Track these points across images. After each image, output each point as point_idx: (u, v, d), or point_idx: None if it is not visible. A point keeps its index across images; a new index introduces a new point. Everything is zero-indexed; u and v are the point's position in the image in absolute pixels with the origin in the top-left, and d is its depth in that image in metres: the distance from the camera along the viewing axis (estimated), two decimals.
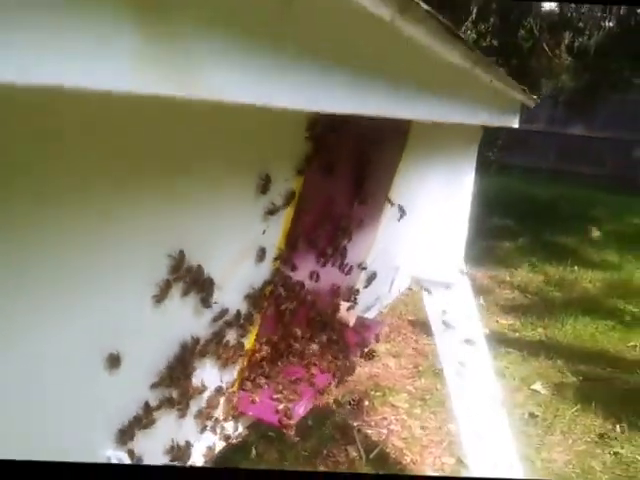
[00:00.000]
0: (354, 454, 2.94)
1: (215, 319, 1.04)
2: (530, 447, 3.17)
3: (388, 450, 3.04)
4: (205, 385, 1.07)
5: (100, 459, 0.86)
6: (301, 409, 1.34)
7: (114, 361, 0.82)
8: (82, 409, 0.81)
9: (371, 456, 2.93)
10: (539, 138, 14.61)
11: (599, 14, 7.20)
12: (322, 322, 1.64)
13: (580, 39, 7.46)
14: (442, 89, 1.20)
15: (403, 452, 3.06)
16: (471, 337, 2.49)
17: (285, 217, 1.17)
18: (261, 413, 1.29)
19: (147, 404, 0.93)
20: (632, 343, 4.62)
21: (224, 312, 1.05)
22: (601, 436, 3.35)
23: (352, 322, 1.78)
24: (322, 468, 2.80)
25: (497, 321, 4.92)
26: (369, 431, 3.17)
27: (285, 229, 1.20)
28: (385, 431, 3.21)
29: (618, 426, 3.44)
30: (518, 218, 8.34)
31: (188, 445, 1.06)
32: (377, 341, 1.91)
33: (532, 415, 3.49)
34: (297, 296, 1.44)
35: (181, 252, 0.88)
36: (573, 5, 7.47)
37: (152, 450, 0.98)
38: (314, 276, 1.57)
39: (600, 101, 8.72)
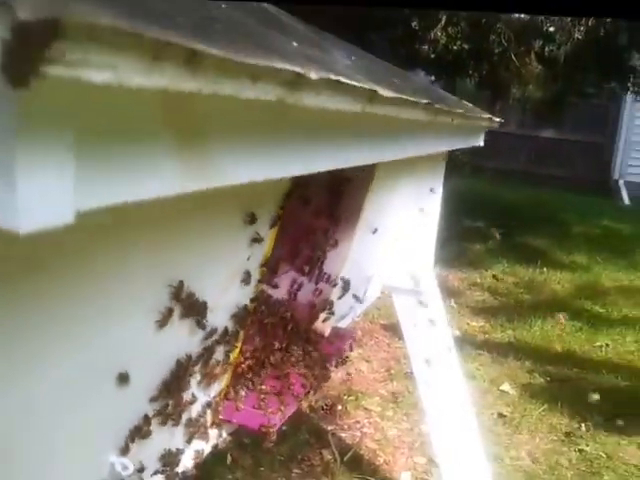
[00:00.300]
0: (329, 457, 3.03)
1: (206, 337, 1.14)
2: (499, 446, 3.28)
3: (362, 452, 3.13)
4: (195, 397, 1.16)
5: (105, 465, 0.95)
6: (281, 416, 1.44)
7: (124, 379, 0.92)
8: (92, 421, 0.91)
9: (345, 458, 3.02)
10: (510, 140, 14.76)
11: (569, 23, 7.32)
12: (299, 334, 1.73)
13: (550, 47, 7.58)
14: (407, 136, 1.34)
15: (376, 453, 3.15)
16: (440, 340, 2.59)
17: (268, 243, 1.27)
18: (244, 420, 1.39)
19: (146, 416, 1.02)
20: (598, 343, 4.75)
21: (214, 331, 1.16)
22: (567, 434, 3.47)
23: (327, 332, 1.88)
24: (297, 471, 2.89)
25: (468, 323, 5.03)
26: (343, 434, 3.26)
27: (267, 253, 1.30)
28: (359, 434, 3.30)
29: (583, 425, 3.56)
30: (489, 220, 8.47)
31: (178, 451, 1.16)
32: (351, 350, 2.00)
33: (501, 415, 3.60)
34: (277, 311, 1.56)
35: (180, 282, 0.99)
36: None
37: (148, 456, 1.07)
38: (292, 292, 1.68)
39: (569, 106, 8.86)
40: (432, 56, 9.65)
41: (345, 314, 2.18)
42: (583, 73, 8.08)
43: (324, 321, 1.86)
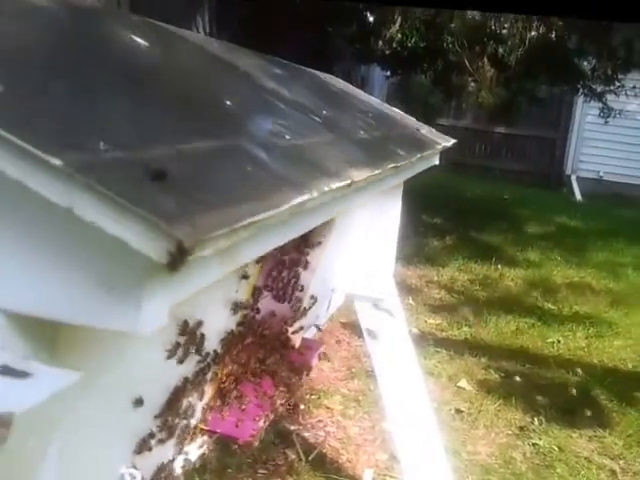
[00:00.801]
0: (293, 456, 3.13)
1: (200, 362, 1.28)
2: (457, 441, 3.41)
3: (325, 451, 3.24)
4: (187, 412, 1.28)
5: (116, 476, 1.07)
6: (261, 424, 1.60)
7: (139, 402, 1.06)
8: (109, 438, 1.04)
9: (310, 458, 3.13)
10: (465, 135, 14.94)
11: (521, 27, 7.48)
12: (274, 349, 1.87)
13: (502, 50, 7.73)
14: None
15: (339, 452, 3.26)
16: (399, 340, 2.71)
17: (254, 275, 1.43)
18: (228, 430, 1.53)
19: (151, 431, 1.15)
20: (550, 340, 4.93)
21: (207, 355, 1.29)
22: (521, 429, 3.62)
23: (297, 344, 2.02)
24: (262, 472, 2.99)
25: (425, 321, 5.16)
26: (306, 434, 3.37)
27: (252, 284, 1.43)
28: (322, 433, 3.41)
29: (536, 419, 3.71)
30: (446, 216, 8.63)
31: (172, 460, 1.28)
32: (319, 359, 2.13)
33: (458, 411, 3.74)
34: (256, 331, 1.70)
35: (185, 321, 1.15)
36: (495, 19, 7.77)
37: (148, 466, 1.19)
38: (270, 312, 1.83)
39: (521, 108, 9.04)
40: (387, 52, 9.80)
41: (311, 324, 2.30)
42: (534, 77, 8.26)
43: (294, 334, 1.99)
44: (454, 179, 11.86)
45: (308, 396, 3.74)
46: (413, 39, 8.73)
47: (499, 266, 6.80)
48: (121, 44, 1.28)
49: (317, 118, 1.59)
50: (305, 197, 0.93)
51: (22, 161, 0.62)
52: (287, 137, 1.22)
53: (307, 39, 9.77)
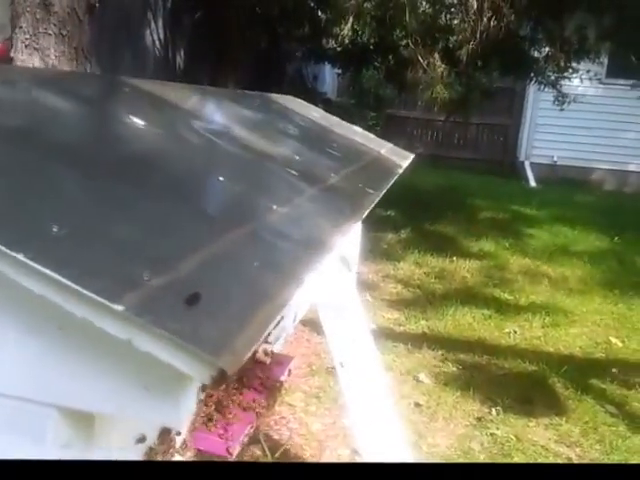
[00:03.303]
0: (258, 453, 3.17)
1: None
2: (416, 434, 3.47)
3: (288, 447, 3.28)
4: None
5: None
6: (240, 440, 1.67)
7: (142, 439, 1.12)
8: None
9: (276, 455, 3.17)
10: (418, 125, 15.05)
11: (472, 19, 7.53)
12: (244, 369, 1.94)
13: (453, 45, 7.81)
14: None
15: (302, 448, 3.31)
16: (358, 338, 2.76)
17: None
18: (209, 447, 1.61)
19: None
20: (506, 330, 5.02)
21: None
22: (479, 419, 3.70)
23: (268, 361, 2.08)
24: None
25: (383, 316, 5.21)
26: (270, 431, 3.41)
27: None
28: (284, 430, 3.45)
29: (494, 409, 3.79)
30: (401, 209, 8.68)
31: None
32: (289, 374, 2.20)
33: (417, 404, 3.80)
34: None
35: None
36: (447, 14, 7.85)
37: None
38: None
39: (476, 98, 9.13)
40: (338, 50, 9.85)
41: (279, 336, 2.36)
42: (487, 70, 8.35)
43: (264, 351, 2.06)
44: (407, 170, 11.91)
45: None
46: (364, 36, 8.78)
47: (455, 258, 6.87)
48: (119, 133, 1.36)
49: (294, 171, 1.68)
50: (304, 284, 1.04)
51: (86, 306, 0.75)
52: (274, 208, 1.33)
53: (259, 41, 9.81)
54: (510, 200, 10.18)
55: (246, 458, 3.13)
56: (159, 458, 1.32)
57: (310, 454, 3.27)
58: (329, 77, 15.36)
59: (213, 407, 1.67)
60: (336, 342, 2.64)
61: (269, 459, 3.12)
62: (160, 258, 0.92)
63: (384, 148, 2.93)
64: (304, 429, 3.49)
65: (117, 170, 1.16)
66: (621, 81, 12.43)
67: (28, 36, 3.96)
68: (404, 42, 7.99)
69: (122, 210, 1.04)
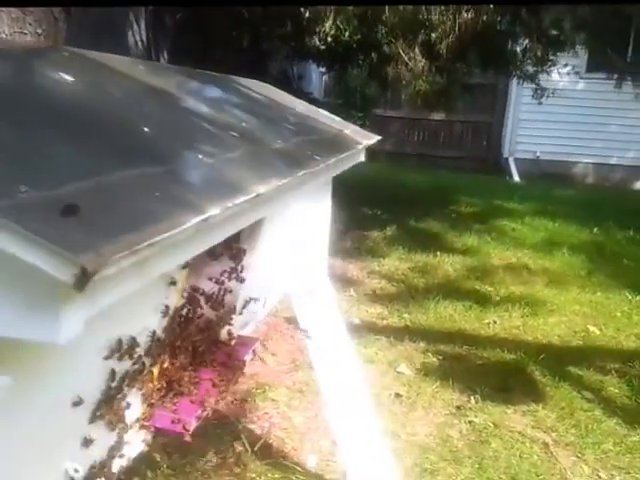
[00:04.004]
0: (240, 448, 3.25)
1: (134, 363, 1.39)
2: (396, 424, 3.56)
3: (271, 441, 3.37)
4: (125, 407, 1.40)
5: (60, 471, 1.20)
6: (195, 416, 1.73)
7: (77, 402, 1.19)
8: (50, 436, 1.16)
9: (256, 448, 3.25)
10: (403, 124, 15.13)
11: (451, 14, 7.59)
12: (209, 347, 2.01)
13: (433, 39, 7.86)
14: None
15: (285, 441, 3.39)
16: (334, 330, 2.85)
17: (181, 281, 1.55)
18: (165, 425, 1.65)
19: (90, 428, 1.27)
20: (486, 321, 5.12)
21: (140, 357, 1.41)
22: (458, 408, 3.79)
23: (233, 341, 2.16)
24: (211, 464, 3.11)
25: (367, 310, 5.30)
26: (252, 426, 3.49)
27: (180, 290, 1.56)
28: (267, 424, 3.53)
29: (472, 398, 3.88)
30: (387, 207, 8.78)
31: (114, 455, 1.40)
32: (254, 355, 2.27)
33: (398, 395, 3.89)
34: (190, 332, 1.84)
35: (118, 328, 1.28)
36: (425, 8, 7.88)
37: (91, 461, 1.31)
38: (203, 315, 1.96)
39: (455, 96, 9.20)
40: (322, 48, 9.89)
41: (249, 321, 2.44)
42: (466, 64, 8.42)
43: (228, 332, 2.14)
44: (394, 169, 12.05)
45: (254, 390, 3.85)
46: (347, 33, 8.83)
47: (438, 253, 6.97)
48: (44, 84, 1.41)
49: (234, 133, 1.71)
50: (205, 215, 1.07)
51: None
52: (200, 157, 1.35)
53: (243, 40, 9.85)
54: (494, 195, 10.30)
55: (228, 453, 3.22)
56: None
57: (292, 446, 3.34)
58: (315, 77, 15.40)
59: (167, 385, 1.73)
60: (309, 329, 2.74)
61: (248, 452, 3.21)
62: (44, 178, 0.94)
63: (348, 129, 3.00)
64: (286, 423, 3.57)
65: (28, 109, 1.20)
66: (601, 75, 12.54)
67: (4, 35, 4.00)
68: (386, 38, 8.03)
69: (16, 135, 1.07)
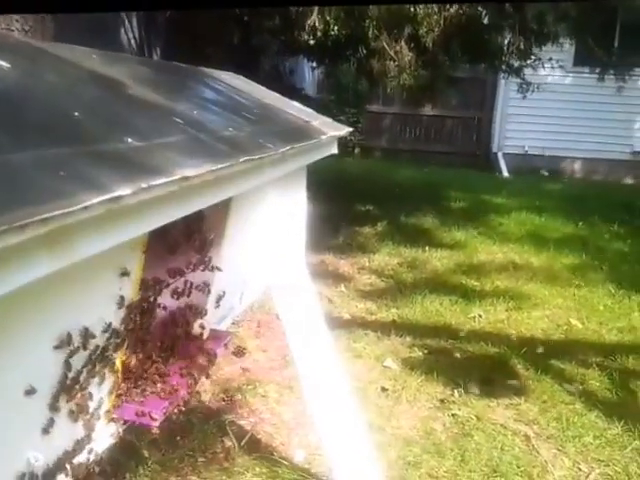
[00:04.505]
0: (229, 444, 3.34)
1: (91, 354, 1.41)
2: (381, 417, 3.66)
3: (260, 436, 3.45)
4: (88, 399, 1.44)
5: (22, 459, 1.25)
6: (163, 408, 1.76)
7: (29, 392, 1.21)
8: (11, 425, 1.21)
9: (242, 443, 3.34)
10: (395, 120, 15.21)
11: (435, 7, 7.63)
12: (176, 340, 2.07)
13: (419, 33, 7.90)
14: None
15: (273, 436, 3.47)
16: (315, 325, 2.93)
17: (136, 270, 1.55)
18: (132, 417, 1.69)
19: (51, 417, 1.30)
20: (472, 315, 5.22)
21: (96, 348, 1.43)
22: (442, 401, 3.88)
23: (205, 335, 2.23)
24: (201, 460, 3.20)
25: (356, 306, 5.40)
26: (242, 422, 3.57)
27: (137, 281, 1.58)
28: (257, 420, 3.60)
29: (456, 391, 3.98)
30: (378, 203, 8.87)
31: (81, 447, 1.44)
32: (226, 348, 2.34)
33: (384, 389, 3.98)
34: (155, 325, 1.89)
35: (67, 320, 1.30)
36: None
37: (55, 450, 1.36)
38: (170, 308, 2.02)
39: (443, 89, 9.25)
40: (311, 43, 9.93)
41: (225, 315, 2.50)
42: (452, 58, 8.46)
43: (200, 326, 2.21)
44: (386, 165, 12.16)
45: (244, 386, 3.93)
46: (335, 27, 8.88)
47: (427, 248, 7.08)
48: None
49: (179, 119, 1.70)
50: (113, 194, 1.03)
51: None
52: (128, 140, 1.31)
53: (234, 36, 9.89)
54: (482, 191, 10.41)
55: (217, 449, 3.30)
56: None
57: (280, 441, 3.43)
58: (308, 73, 15.43)
59: (134, 377, 1.77)
60: (289, 322, 2.80)
61: (236, 448, 3.30)
62: None
63: (317, 120, 3.04)
64: (275, 418, 3.65)
65: None
66: (588, 69, 12.61)
67: None
68: (372, 32, 8.08)
69: None
